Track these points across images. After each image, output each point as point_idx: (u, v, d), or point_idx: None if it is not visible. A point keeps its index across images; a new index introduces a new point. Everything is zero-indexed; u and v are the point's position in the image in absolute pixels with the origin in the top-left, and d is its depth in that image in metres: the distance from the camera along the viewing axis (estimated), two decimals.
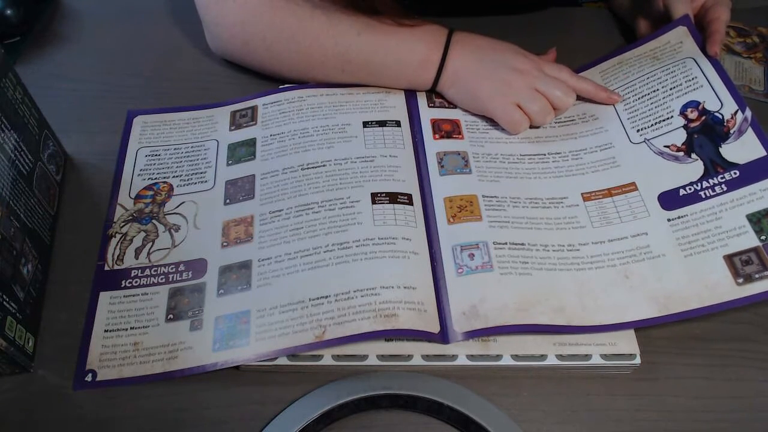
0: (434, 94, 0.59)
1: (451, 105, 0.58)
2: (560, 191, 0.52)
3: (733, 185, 0.48)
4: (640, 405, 0.44)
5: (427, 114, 0.57)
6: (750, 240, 0.46)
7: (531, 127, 0.56)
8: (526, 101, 0.55)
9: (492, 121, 0.57)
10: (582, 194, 0.52)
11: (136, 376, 0.44)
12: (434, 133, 0.56)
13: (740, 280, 0.45)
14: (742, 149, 0.50)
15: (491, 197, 0.51)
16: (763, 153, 0.49)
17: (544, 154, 0.55)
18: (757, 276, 0.45)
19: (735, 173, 0.49)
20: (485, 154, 0.54)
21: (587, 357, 0.44)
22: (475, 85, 0.56)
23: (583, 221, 0.50)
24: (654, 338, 0.46)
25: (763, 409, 0.44)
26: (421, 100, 0.58)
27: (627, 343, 0.45)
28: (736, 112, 0.51)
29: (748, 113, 0.50)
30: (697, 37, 0.57)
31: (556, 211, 0.51)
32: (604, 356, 0.44)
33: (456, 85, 0.57)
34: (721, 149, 0.50)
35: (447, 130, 0.56)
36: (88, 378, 0.44)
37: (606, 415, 0.44)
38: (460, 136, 0.56)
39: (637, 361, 0.44)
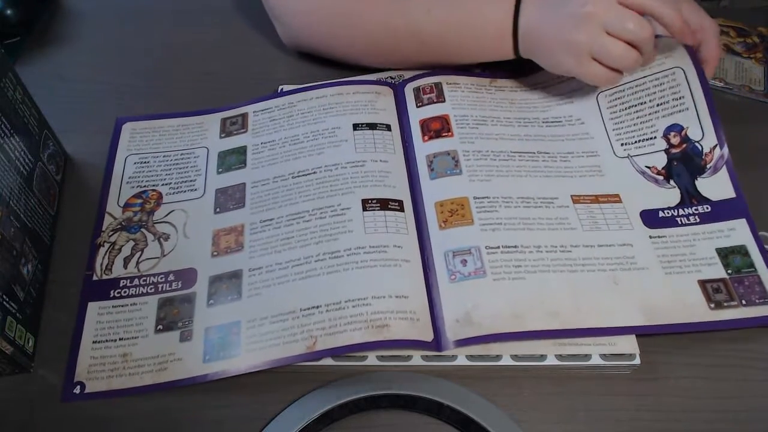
0: (422, 91, 0.58)
1: (440, 100, 0.57)
2: (551, 191, 0.52)
3: (705, 219, 0.50)
4: (640, 405, 0.44)
5: (416, 115, 0.57)
6: (719, 271, 0.48)
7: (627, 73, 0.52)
8: (599, 53, 0.49)
9: (482, 116, 0.56)
10: (572, 196, 0.52)
11: (125, 388, 0.43)
12: (423, 134, 0.55)
13: (712, 305, 0.46)
14: (715, 186, 0.51)
15: (483, 198, 0.51)
16: (732, 195, 0.50)
17: (534, 153, 0.55)
18: (725, 304, 0.46)
19: (707, 208, 0.50)
20: (475, 151, 0.54)
21: (587, 357, 0.44)
22: (547, 51, 0.52)
23: (574, 223, 0.50)
24: (654, 338, 0.46)
25: (763, 409, 0.44)
26: (410, 102, 0.58)
27: (626, 343, 0.45)
28: (714, 147, 0.51)
29: (725, 151, 0.51)
30: (689, 49, 0.55)
31: (547, 211, 0.50)
32: (604, 356, 0.44)
33: (534, 52, 0.53)
34: (696, 182, 0.51)
35: (436, 128, 0.55)
36: (77, 390, 0.43)
37: (606, 415, 0.44)
38: (450, 134, 0.55)
39: (637, 361, 0.44)
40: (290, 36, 0.61)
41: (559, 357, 0.44)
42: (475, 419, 0.42)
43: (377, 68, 0.61)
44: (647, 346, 0.45)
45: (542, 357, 0.44)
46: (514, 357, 0.44)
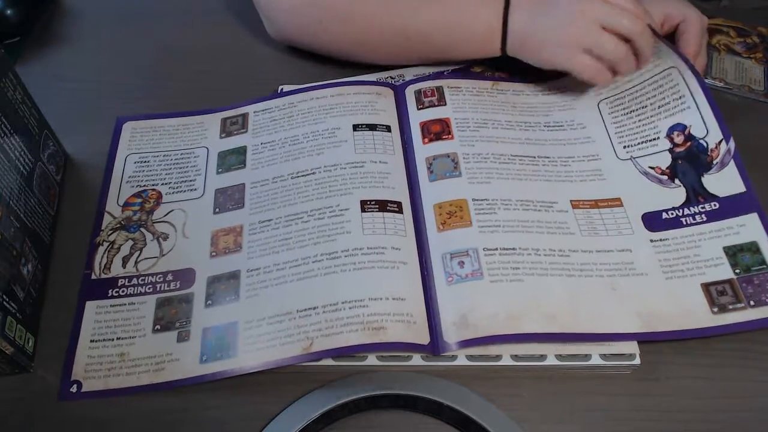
0: (423, 94, 0.58)
1: (441, 103, 0.57)
2: (550, 195, 0.52)
3: (712, 217, 0.49)
4: (640, 405, 0.44)
5: (416, 117, 0.56)
6: (725, 272, 0.47)
7: (617, 72, 0.53)
8: (593, 45, 0.50)
9: (483, 119, 0.56)
10: (571, 201, 0.51)
11: (122, 388, 0.43)
12: (423, 137, 0.55)
13: (715, 309, 0.45)
14: (722, 182, 0.50)
15: (481, 200, 0.50)
16: (742, 189, 0.49)
17: (534, 157, 0.54)
18: (730, 307, 0.45)
19: (715, 205, 0.49)
20: (476, 154, 0.54)
21: (587, 357, 0.44)
22: (538, 48, 0.53)
23: (573, 228, 0.50)
24: None
25: (763, 409, 0.44)
26: (411, 104, 0.57)
27: (626, 343, 0.45)
28: (720, 142, 0.50)
29: (732, 145, 0.50)
30: (675, 48, 0.55)
31: (546, 215, 0.50)
32: (604, 356, 0.44)
33: (523, 50, 0.54)
34: (703, 179, 0.50)
35: (436, 131, 0.55)
36: (74, 389, 0.43)
37: (606, 415, 0.44)
38: (450, 137, 0.55)
39: (637, 361, 0.44)
40: (277, 30, 0.61)
41: (559, 357, 0.44)
42: (475, 419, 0.42)
43: (374, 65, 0.61)
44: (647, 346, 0.45)
45: (542, 357, 0.44)
46: (514, 357, 0.44)
